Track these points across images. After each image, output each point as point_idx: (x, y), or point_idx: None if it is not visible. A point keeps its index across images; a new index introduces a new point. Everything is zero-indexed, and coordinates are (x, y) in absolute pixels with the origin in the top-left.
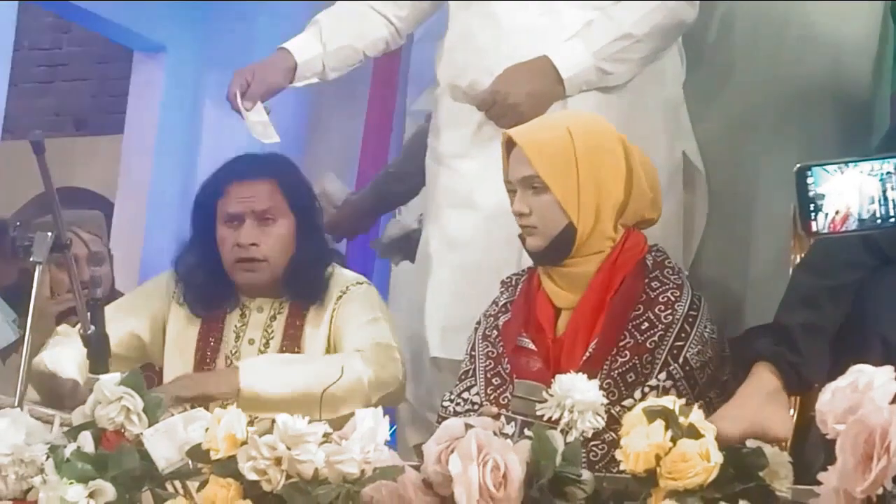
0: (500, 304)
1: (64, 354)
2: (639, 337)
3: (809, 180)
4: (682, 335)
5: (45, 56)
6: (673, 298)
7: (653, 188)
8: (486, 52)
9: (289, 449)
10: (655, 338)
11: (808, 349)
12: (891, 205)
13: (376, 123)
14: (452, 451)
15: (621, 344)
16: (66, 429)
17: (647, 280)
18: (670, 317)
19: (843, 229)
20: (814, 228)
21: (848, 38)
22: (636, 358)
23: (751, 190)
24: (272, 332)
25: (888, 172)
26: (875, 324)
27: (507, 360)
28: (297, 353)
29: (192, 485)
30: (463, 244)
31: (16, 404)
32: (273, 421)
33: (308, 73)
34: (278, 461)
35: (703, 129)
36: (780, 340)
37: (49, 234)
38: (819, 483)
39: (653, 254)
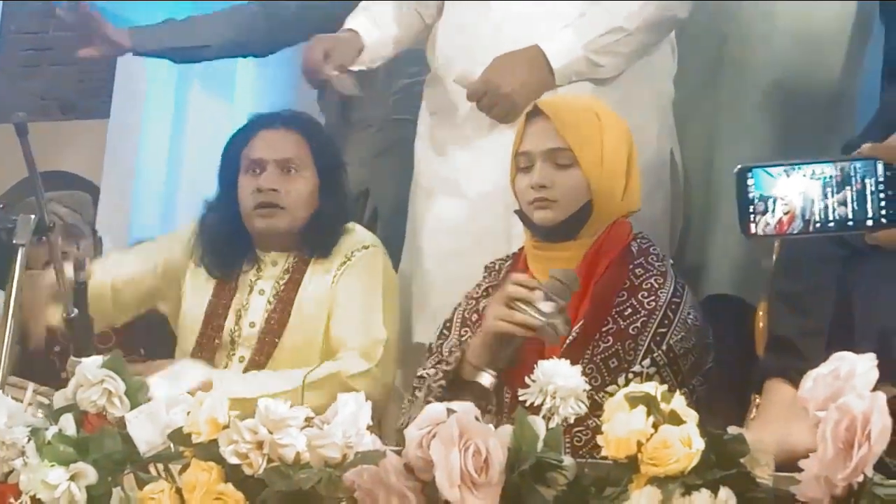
0: (483, 287)
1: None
2: (622, 323)
3: (750, 182)
4: (665, 322)
5: (32, 40)
6: (656, 285)
7: (638, 179)
8: (477, 42)
9: (270, 433)
10: (638, 324)
11: (811, 352)
12: (830, 209)
13: None
14: (434, 437)
15: (604, 329)
16: (39, 398)
17: (631, 266)
18: (653, 303)
19: (789, 231)
20: (752, 230)
21: (821, 31)
22: (619, 344)
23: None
24: (282, 282)
25: (831, 175)
26: (866, 316)
27: None
28: (292, 303)
29: (175, 468)
30: (451, 231)
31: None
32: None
33: (368, 59)
34: (260, 445)
35: (690, 123)
36: (781, 353)
37: (32, 216)
38: (800, 470)
39: (638, 241)
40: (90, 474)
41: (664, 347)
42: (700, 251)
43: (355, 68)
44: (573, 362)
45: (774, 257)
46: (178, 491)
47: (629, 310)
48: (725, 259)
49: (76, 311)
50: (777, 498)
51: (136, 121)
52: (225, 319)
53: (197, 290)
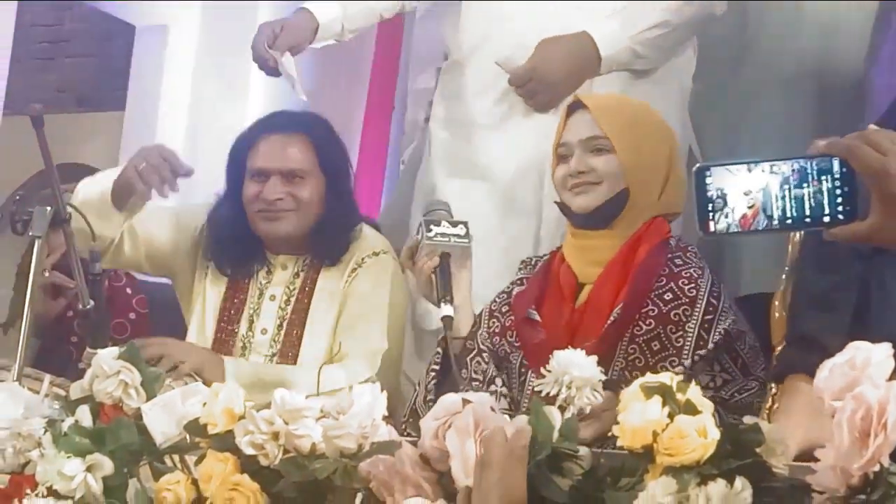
0: (516, 279)
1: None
2: (662, 307)
3: (709, 180)
4: (710, 309)
5: (48, 32)
6: (696, 275)
7: (683, 180)
8: (515, 23)
9: (286, 424)
10: (680, 311)
11: (837, 350)
12: (788, 206)
13: (378, 102)
14: (449, 427)
15: (644, 311)
16: (55, 390)
17: (670, 256)
18: (694, 291)
19: (753, 227)
20: (711, 228)
21: (840, 19)
22: (661, 327)
23: None
24: (294, 288)
25: (789, 173)
26: (882, 311)
27: (512, 331)
28: (307, 312)
29: (191, 459)
30: (477, 216)
31: (14, 378)
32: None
33: (327, 35)
34: (276, 436)
35: (710, 118)
36: (807, 350)
37: (48, 208)
38: (816, 460)
39: (675, 239)
40: (106, 465)
41: (713, 334)
42: (722, 248)
43: (318, 44)
44: (612, 343)
45: (796, 251)
46: (194, 482)
47: (669, 294)
48: (750, 254)
49: (92, 302)
50: (793, 488)
51: (152, 113)
52: (238, 324)
53: (209, 291)
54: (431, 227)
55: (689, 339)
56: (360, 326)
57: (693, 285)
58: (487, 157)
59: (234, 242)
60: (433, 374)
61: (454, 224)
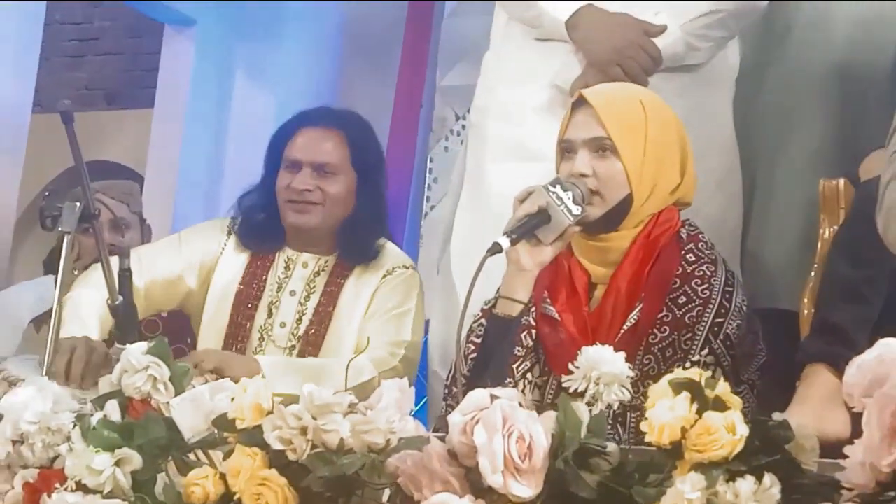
0: None
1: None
2: (677, 312)
3: None
4: (722, 311)
5: (77, 30)
6: (709, 273)
7: (693, 174)
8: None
9: (314, 419)
10: (693, 313)
11: (863, 344)
12: None
13: (406, 99)
14: (477, 422)
15: (660, 317)
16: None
17: (682, 252)
18: (707, 292)
19: None
20: None
21: (878, 13)
22: (675, 333)
23: (775, 168)
24: (314, 286)
25: None
26: None
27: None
28: (333, 310)
29: (218, 454)
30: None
31: (44, 373)
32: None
33: None
34: (304, 431)
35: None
36: (833, 340)
37: (77, 203)
38: (845, 457)
39: (686, 228)
40: (135, 460)
41: (721, 337)
42: (756, 256)
43: None
44: (632, 349)
45: (825, 247)
46: (223, 477)
47: (683, 298)
48: (784, 261)
49: (121, 298)
50: (821, 484)
51: (180, 110)
52: (256, 311)
53: (228, 270)
54: (557, 185)
55: (697, 341)
56: (388, 323)
57: (706, 285)
58: (542, 138)
59: (262, 229)
60: (472, 346)
61: (576, 203)
